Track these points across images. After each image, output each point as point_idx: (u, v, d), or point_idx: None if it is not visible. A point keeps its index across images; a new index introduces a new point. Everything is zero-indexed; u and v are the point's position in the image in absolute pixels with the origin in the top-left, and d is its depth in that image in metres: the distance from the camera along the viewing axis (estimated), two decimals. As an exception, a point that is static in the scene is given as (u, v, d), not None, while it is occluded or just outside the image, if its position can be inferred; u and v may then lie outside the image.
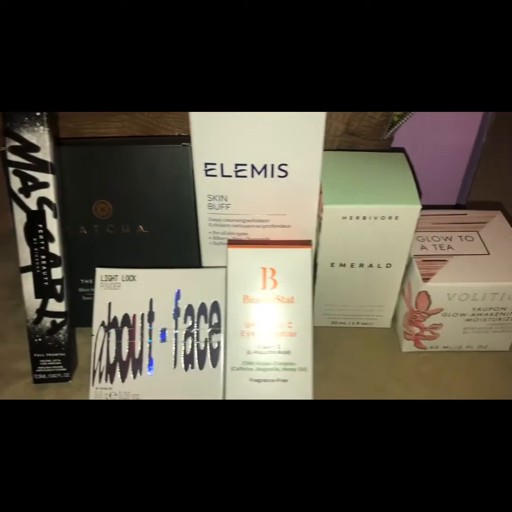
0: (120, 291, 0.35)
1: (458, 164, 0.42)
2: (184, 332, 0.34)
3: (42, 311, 0.34)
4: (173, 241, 0.36)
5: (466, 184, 0.42)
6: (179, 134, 0.37)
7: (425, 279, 0.33)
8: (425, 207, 0.39)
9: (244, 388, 0.30)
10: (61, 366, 0.35)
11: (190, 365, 0.34)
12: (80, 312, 0.37)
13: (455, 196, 0.43)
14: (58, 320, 0.35)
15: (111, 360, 0.34)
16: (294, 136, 0.31)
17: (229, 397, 0.30)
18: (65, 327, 0.35)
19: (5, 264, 0.46)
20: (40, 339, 0.35)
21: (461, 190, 0.42)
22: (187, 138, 0.34)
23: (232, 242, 0.34)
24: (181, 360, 0.34)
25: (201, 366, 0.34)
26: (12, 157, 0.32)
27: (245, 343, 0.30)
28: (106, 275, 0.35)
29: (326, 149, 0.37)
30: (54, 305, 0.34)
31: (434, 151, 0.41)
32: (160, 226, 0.36)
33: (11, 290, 0.44)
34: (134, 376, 0.34)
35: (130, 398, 0.33)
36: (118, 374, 0.34)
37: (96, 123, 0.38)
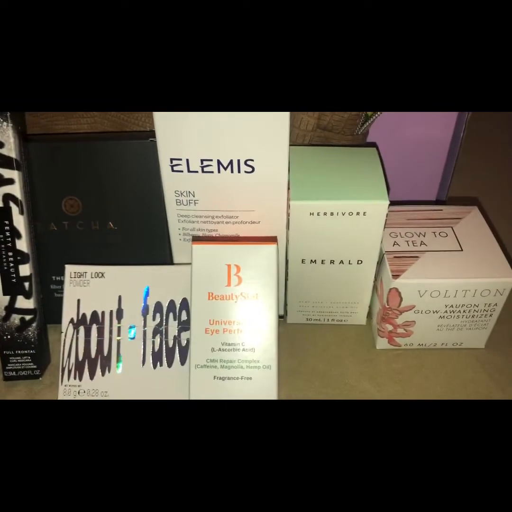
0: (89, 288, 0.35)
1: (436, 159, 0.41)
2: (152, 329, 0.34)
3: (10, 308, 0.34)
4: (143, 237, 0.36)
5: (446, 180, 0.41)
6: (151, 130, 0.37)
7: (395, 276, 0.33)
8: (403, 203, 0.39)
9: (208, 386, 0.30)
10: (31, 363, 0.35)
11: (158, 363, 0.33)
12: (53, 309, 0.37)
13: (435, 192, 0.42)
14: (27, 317, 0.34)
15: (80, 357, 0.34)
16: (259, 131, 0.30)
17: (193, 395, 0.30)
18: (34, 324, 0.35)
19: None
20: (9, 336, 0.35)
21: (441, 185, 0.42)
22: (151, 132, 0.34)
23: (197, 239, 0.34)
24: (149, 357, 0.34)
25: (169, 364, 0.33)
26: (-24, 153, 0.32)
27: (209, 341, 0.30)
28: (75, 272, 0.35)
29: (298, 144, 0.36)
30: (23, 302, 0.34)
31: (412, 146, 0.40)
32: (130, 223, 0.36)
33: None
34: (103, 374, 0.33)
35: (99, 396, 0.33)
36: (86, 372, 0.34)
37: (68, 119, 0.37)
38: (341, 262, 0.34)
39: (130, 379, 0.33)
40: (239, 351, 0.30)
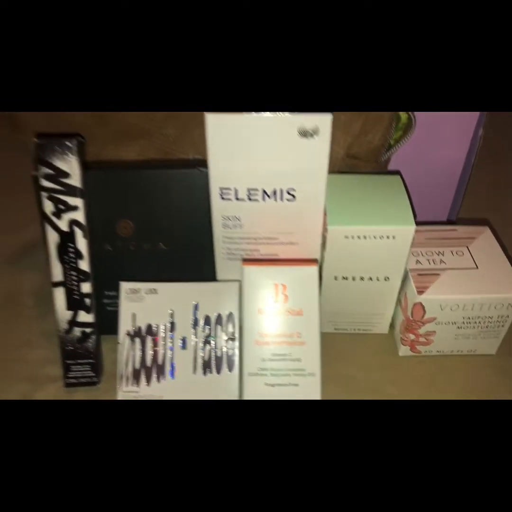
0: (143, 303, 0.38)
1: (449, 182, 0.45)
2: (202, 340, 0.38)
3: (73, 322, 0.38)
4: (190, 256, 0.40)
5: (457, 201, 0.45)
6: (194, 157, 0.41)
7: (420, 292, 0.37)
8: (418, 223, 0.43)
9: (259, 392, 0.33)
10: (90, 371, 0.39)
11: (208, 370, 0.37)
12: (104, 321, 0.40)
13: (446, 212, 0.47)
14: (88, 330, 0.38)
15: (137, 366, 0.37)
16: (301, 164, 0.34)
17: (246, 399, 0.34)
18: (93, 336, 0.38)
19: (29, 275, 0.49)
20: (71, 347, 0.38)
21: (452, 206, 0.46)
22: (202, 162, 0.38)
23: (247, 260, 0.38)
24: (200, 365, 0.37)
25: (218, 371, 0.37)
26: (45, 183, 0.35)
27: (259, 351, 0.34)
28: (130, 288, 0.38)
29: (328, 171, 0.40)
30: (84, 317, 0.38)
31: (426, 169, 0.44)
32: (179, 243, 0.39)
33: (36, 299, 0.47)
34: (158, 380, 0.37)
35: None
36: (143, 379, 0.37)
37: (117, 147, 0.41)
38: (370, 278, 0.38)
39: (182, 385, 0.37)
40: (287, 361, 0.34)
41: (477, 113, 0.41)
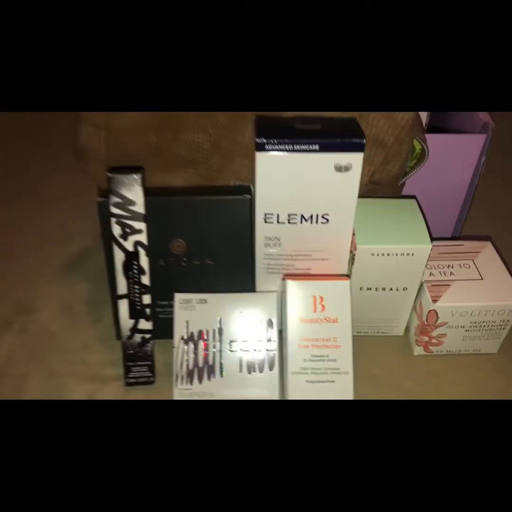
0: (194, 311, 0.44)
1: (455, 202, 0.51)
2: (247, 344, 0.43)
3: (134, 329, 0.43)
4: (233, 271, 0.45)
5: (461, 219, 0.52)
6: (234, 183, 0.46)
7: (434, 300, 0.43)
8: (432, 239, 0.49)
9: (301, 388, 0.39)
10: (147, 372, 0.44)
11: (252, 369, 0.43)
12: (157, 327, 0.46)
13: (452, 229, 0.53)
14: (146, 336, 0.44)
15: (190, 366, 0.43)
16: (335, 193, 0.40)
17: (291, 395, 0.39)
18: (151, 341, 0.44)
19: (80, 286, 0.55)
20: (132, 351, 0.44)
21: (457, 223, 0.52)
22: (243, 188, 0.43)
23: (286, 274, 0.43)
24: (245, 365, 0.43)
25: (261, 370, 0.43)
26: (114, 210, 0.40)
27: (301, 353, 0.40)
28: (183, 299, 0.44)
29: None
30: (144, 324, 0.43)
31: (435, 191, 0.50)
32: (224, 259, 0.45)
33: (89, 307, 0.52)
34: (209, 379, 0.43)
35: (206, 397, 0.43)
36: (196, 378, 0.43)
37: (168, 174, 0.46)
38: (391, 289, 0.44)
39: (230, 382, 0.43)
40: (324, 361, 0.40)
41: (481, 142, 0.48)
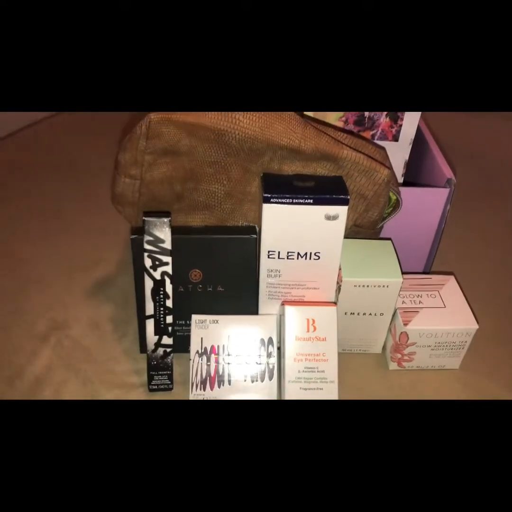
0: (208, 330, 0.53)
1: (425, 242, 0.61)
2: (251, 358, 0.52)
3: (158, 344, 0.52)
4: (241, 296, 0.55)
5: (431, 257, 0.62)
6: (243, 224, 0.56)
7: (405, 324, 0.53)
8: (405, 273, 0.59)
9: (296, 394, 0.48)
10: (167, 380, 0.53)
11: (255, 379, 0.52)
12: (175, 342, 0.55)
13: (423, 265, 0.63)
14: (168, 350, 0.52)
15: (203, 376, 0.52)
16: (325, 236, 0.49)
17: (287, 399, 0.48)
18: (172, 354, 0.53)
19: (106, 306, 0.64)
20: (155, 362, 0.52)
21: (427, 260, 0.62)
22: (250, 228, 0.53)
23: (286, 301, 0.53)
24: (249, 375, 0.52)
25: (262, 380, 0.52)
26: (147, 246, 0.50)
27: (297, 366, 0.49)
28: (198, 319, 0.53)
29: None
30: (166, 340, 0.52)
31: (409, 233, 0.60)
32: (233, 287, 0.54)
33: (114, 325, 0.61)
34: (219, 387, 0.52)
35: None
36: (208, 385, 0.52)
37: (187, 216, 0.56)
38: (370, 314, 0.54)
39: (236, 389, 0.52)
40: (315, 372, 0.49)
41: (446, 194, 0.58)
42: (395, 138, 0.62)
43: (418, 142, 0.67)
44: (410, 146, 0.62)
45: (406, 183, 0.64)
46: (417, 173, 0.68)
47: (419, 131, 0.68)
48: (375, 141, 0.62)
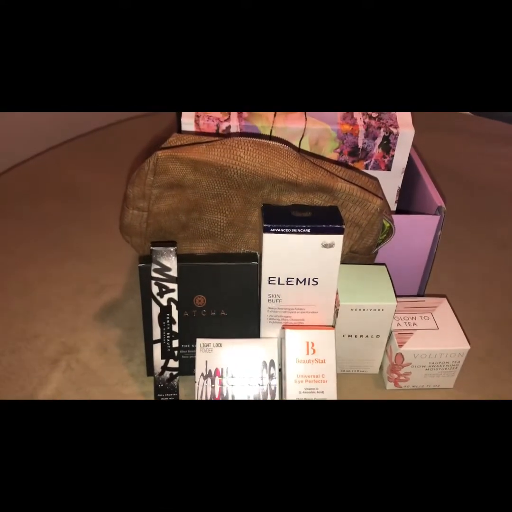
0: (212, 353, 0.55)
1: (418, 266, 0.64)
2: (253, 379, 0.55)
3: (165, 367, 0.55)
4: (243, 320, 0.57)
5: (424, 280, 0.64)
6: (244, 251, 0.59)
7: (400, 345, 0.55)
8: (399, 296, 0.62)
9: (297, 414, 0.51)
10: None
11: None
12: (181, 366, 0.57)
13: (417, 288, 0.66)
14: (174, 373, 0.55)
15: (208, 397, 0.54)
16: (322, 263, 0.52)
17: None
18: (177, 378, 0.55)
19: (114, 330, 0.66)
20: (162, 385, 0.55)
21: (421, 283, 0.65)
22: (251, 255, 0.56)
23: (287, 325, 0.55)
24: (251, 396, 0.54)
25: (264, 401, 0.54)
26: (154, 274, 0.53)
27: (297, 387, 0.51)
28: (203, 343, 0.56)
29: (338, 262, 0.59)
30: (172, 363, 0.55)
31: (403, 257, 0.63)
32: (236, 312, 0.57)
33: (122, 348, 0.64)
34: (223, 407, 0.54)
35: (221, 421, 0.54)
36: (213, 406, 0.54)
37: (191, 244, 0.59)
38: (367, 336, 0.57)
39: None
40: (315, 393, 0.51)
41: (436, 221, 0.61)
42: (388, 168, 0.65)
43: (410, 169, 0.71)
44: (402, 174, 0.66)
45: (399, 211, 0.67)
46: (409, 199, 0.72)
47: (410, 160, 0.71)
48: (369, 170, 0.66)
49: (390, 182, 0.66)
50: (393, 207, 0.68)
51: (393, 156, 0.64)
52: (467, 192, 0.97)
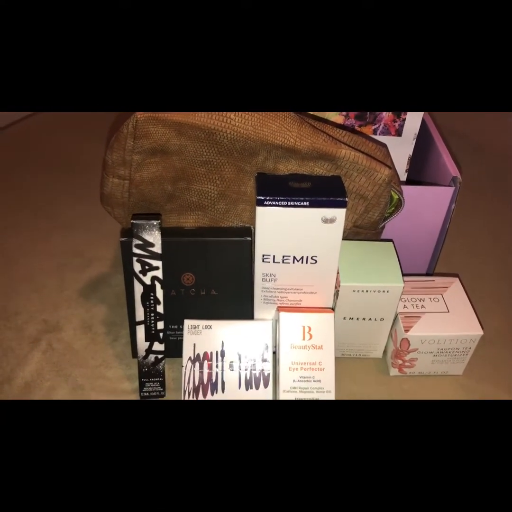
0: (201, 336, 0.51)
1: (429, 242, 0.59)
2: (245, 364, 0.51)
3: (149, 350, 0.50)
4: (235, 301, 0.53)
5: (434, 258, 0.59)
6: (237, 225, 0.54)
7: (406, 330, 0.50)
8: (405, 275, 0.56)
9: (291, 404, 0.47)
10: (159, 387, 0.51)
11: (249, 386, 0.50)
12: (168, 347, 0.53)
13: (426, 266, 0.60)
14: (159, 356, 0.51)
15: (196, 383, 0.50)
16: (322, 240, 0.47)
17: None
18: (163, 361, 0.51)
19: (99, 307, 0.62)
20: (146, 369, 0.51)
21: (431, 261, 0.60)
22: (244, 229, 0.51)
23: (281, 308, 0.51)
24: (243, 383, 0.50)
25: (257, 387, 0.50)
26: (136, 250, 0.48)
27: (292, 375, 0.47)
28: (191, 325, 0.51)
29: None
30: (157, 346, 0.50)
31: (412, 233, 0.58)
32: (227, 291, 0.52)
33: (107, 328, 0.60)
34: (212, 394, 0.50)
35: (210, 409, 0.50)
36: (201, 393, 0.50)
37: (180, 216, 0.53)
38: (370, 319, 0.52)
39: (230, 397, 0.50)
40: (311, 382, 0.47)
41: (450, 193, 0.55)
42: (398, 133, 0.59)
43: (423, 136, 0.64)
44: (414, 141, 0.59)
45: (409, 181, 0.61)
46: (422, 169, 0.65)
47: (424, 125, 0.65)
48: (377, 136, 0.59)
49: (401, 149, 0.60)
50: (403, 177, 0.62)
51: (404, 120, 0.58)
52: (486, 161, 0.90)
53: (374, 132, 0.59)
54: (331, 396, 0.47)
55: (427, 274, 0.61)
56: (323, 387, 0.47)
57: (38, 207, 0.77)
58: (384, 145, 0.56)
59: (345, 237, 0.53)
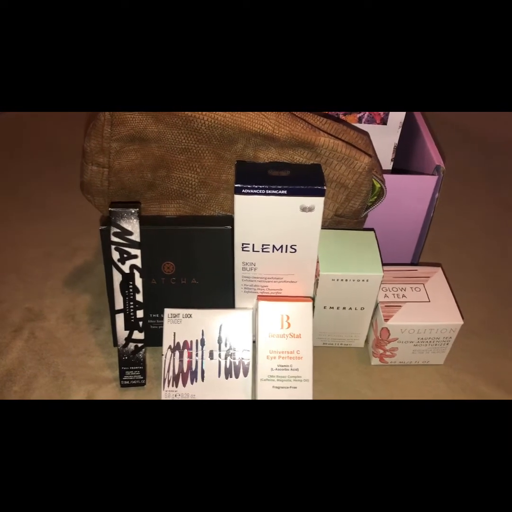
0: (181, 324, 0.51)
1: (413, 231, 0.58)
2: (225, 353, 0.51)
3: (129, 339, 0.50)
4: (216, 290, 0.53)
5: (418, 248, 0.59)
6: (218, 214, 0.53)
7: (386, 319, 0.50)
8: (388, 264, 0.56)
9: (268, 392, 0.47)
10: (139, 376, 0.51)
11: (229, 375, 0.50)
12: (149, 336, 0.53)
13: (411, 256, 0.60)
14: (139, 345, 0.51)
15: (176, 371, 0.50)
16: (301, 229, 0.47)
17: (259, 398, 0.47)
18: (143, 349, 0.51)
19: (83, 296, 0.62)
20: (126, 357, 0.51)
21: (415, 251, 0.59)
22: (226, 218, 0.51)
23: (260, 296, 0.51)
24: (223, 371, 0.50)
25: (237, 376, 0.50)
26: (114, 239, 0.48)
27: (269, 363, 0.47)
28: (171, 313, 0.51)
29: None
30: (137, 335, 0.50)
31: (396, 222, 0.58)
32: (208, 280, 0.52)
33: (90, 316, 0.60)
34: (192, 383, 0.50)
35: (189, 398, 0.50)
36: (180, 381, 0.50)
37: (160, 205, 0.53)
38: (350, 308, 0.52)
39: (210, 386, 0.50)
40: (288, 370, 0.47)
41: (434, 182, 0.55)
42: (384, 121, 0.58)
43: (409, 125, 0.64)
44: (400, 130, 0.59)
45: (395, 170, 0.61)
46: (408, 158, 0.65)
47: (409, 114, 0.64)
48: (363, 124, 0.59)
49: (386, 138, 0.59)
50: (389, 166, 0.62)
51: (389, 108, 0.57)
52: (474, 149, 0.89)
53: (359, 120, 0.59)
54: (309, 385, 0.47)
55: (411, 264, 0.61)
56: (301, 375, 0.47)
57: (25, 196, 0.77)
58: (366, 133, 0.55)
59: (327, 226, 0.53)
